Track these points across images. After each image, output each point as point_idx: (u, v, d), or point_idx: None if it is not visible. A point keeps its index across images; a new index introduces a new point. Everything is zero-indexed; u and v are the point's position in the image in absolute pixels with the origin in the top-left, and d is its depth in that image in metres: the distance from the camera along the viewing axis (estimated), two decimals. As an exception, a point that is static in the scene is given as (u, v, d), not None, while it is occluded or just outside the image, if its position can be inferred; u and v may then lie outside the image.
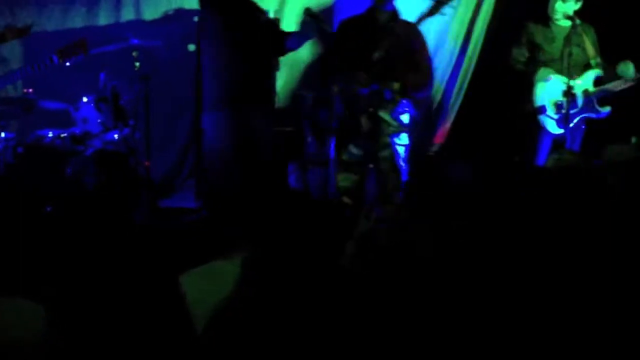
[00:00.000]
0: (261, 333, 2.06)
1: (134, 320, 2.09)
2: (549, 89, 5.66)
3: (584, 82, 5.53)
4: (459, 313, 2.23)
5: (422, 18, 5.66)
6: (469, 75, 7.19)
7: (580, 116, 5.57)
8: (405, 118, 5.48)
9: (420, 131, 6.38)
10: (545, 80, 5.59)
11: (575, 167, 3.42)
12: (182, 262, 2.51)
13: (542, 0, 5.68)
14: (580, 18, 5.49)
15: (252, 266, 2.26)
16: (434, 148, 7.32)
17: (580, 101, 5.56)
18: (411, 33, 5.55)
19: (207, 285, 2.40)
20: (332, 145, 4.93)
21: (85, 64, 5.62)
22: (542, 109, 5.66)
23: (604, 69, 5.56)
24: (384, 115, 5.26)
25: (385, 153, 5.36)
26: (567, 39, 5.45)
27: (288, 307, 2.10)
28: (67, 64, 4.98)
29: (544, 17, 5.62)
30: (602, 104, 5.53)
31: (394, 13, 5.48)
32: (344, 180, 5.32)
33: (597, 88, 5.52)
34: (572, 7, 5.47)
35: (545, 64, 5.58)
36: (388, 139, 5.36)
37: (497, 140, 5.95)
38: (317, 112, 5.57)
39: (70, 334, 2.06)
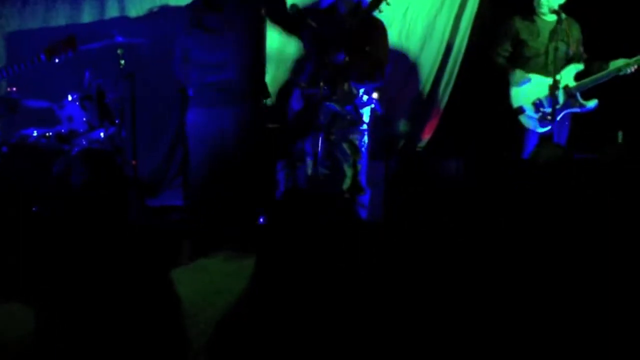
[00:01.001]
0: (259, 333, 2.05)
1: (125, 318, 2.07)
2: (526, 89, 5.66)
3: (565, 78, 5.51)
4: (454, 310, 2.22)
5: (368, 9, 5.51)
6: (456, 70, 7.19)
7: (564, 112, 5.55)
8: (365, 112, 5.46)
9: (384, 127, 6.38)
10: (522, 83, 5.59)
11: (555, 159, 3.43)
12: (169, 260, 2.50)
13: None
14: (565, 12, 5.49)
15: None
16: (422, 143, 7.32)
17: (561, 97, 5.53)
18: (371, 24, 5.47)
19: (193, 283, 2.38)
20: (320, 141, 4.91)
21: (69, 62, 5.58)
22: (521, 109, 5.67)
23: (588, 63, 5.55)
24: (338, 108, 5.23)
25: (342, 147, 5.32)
26: (553, 34, 5.45)
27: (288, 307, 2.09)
28: (56, 61, 4.94)
29: (529, 12, 5.61)
30: (587, 98, 5.52)
31: (358, 4, 5.43)
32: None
33: (579, 82, 5.52)
34: (558, 1, 5.46)
35: (530, 59, 5.57)
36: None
37: (485, 135, 5.95)
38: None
39: (62, 334, 2.05)
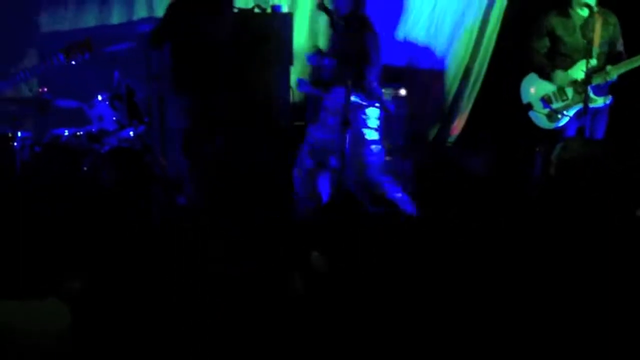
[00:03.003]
0: None
1: (150, 314, 2.10)
2: (534, 85, 5.59)
3: (575, 74, 5.38)
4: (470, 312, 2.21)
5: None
6: (485, 65, 7.16)
7: (575, 108, 5.42)
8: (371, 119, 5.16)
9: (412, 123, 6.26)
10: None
11: (577, 157, 3.39)
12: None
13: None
14: (603, 5, 5.36)
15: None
16: (451, 139, 7.29)
17: (570, 94, 5.44)
18: (359, 27, 5.16)
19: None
20: (347, 138, 4.85)
21: (99, 62, 5.63)
22: (529, 106, 5.60)
23: (608, 58, 5.40)
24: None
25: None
26: (583, 29, 5.35)
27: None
28: (73, 62, 4.98)
29: (564, 6, 5.47)
30: (601, 94, 5.36)
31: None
32: None
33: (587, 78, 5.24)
34: None
35: (567, 56, 5.46)
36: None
37: (520, 130, 5.87)
38: None
39: (93, 328, 2.09)
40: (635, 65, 5.23)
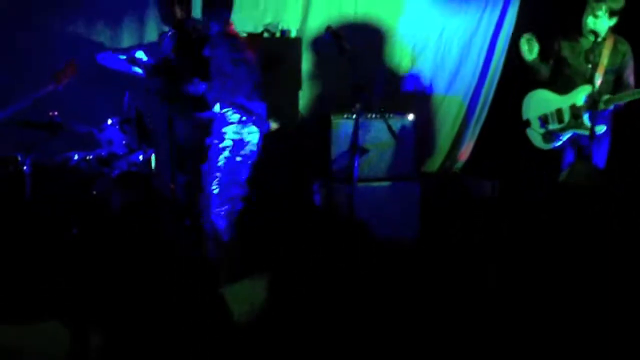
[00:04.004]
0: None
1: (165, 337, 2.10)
2: (535, 103, 5.60)
3: (574, 98, 5.39)
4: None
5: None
6: (492, 90, 7.19)
7: (569, 133, 5.43)
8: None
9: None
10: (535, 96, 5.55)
11: (586, 182, 3.39)
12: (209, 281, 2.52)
13: (571, 14, 5.58)
14: (618, 33, 5.34)
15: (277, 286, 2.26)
16: (459, 165, 7.30)
17: (566, 117, 5.46)
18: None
19: (236, 302, 2.40)
20: (356, 163, 4.90)
21: (109, 85, 5.66)
22: (527, 123, 5.60)
23: (614, 86, 5.34)
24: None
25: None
26: (588, 54, 5.34)
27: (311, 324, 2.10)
28: (60, 88, 5.08)
29: (575, 31, 5.46)
30: (597, 122, 5.21)
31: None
32: None
33: (585, 104, 5.30)
34: (606, 23, 5.28)
35: (570, 78, 5.46)
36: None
37: (523, 153, 5.87)
38: None
39: (101, 351, 2.09)
40: (633, 98, 5.18)
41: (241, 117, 5.01)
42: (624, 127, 5.57)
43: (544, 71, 5.53)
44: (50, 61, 5.44)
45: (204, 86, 5.04)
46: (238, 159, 5.02)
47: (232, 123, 5.01)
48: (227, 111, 5.01)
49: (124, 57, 5.25)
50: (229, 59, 5.01)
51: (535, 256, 2.73)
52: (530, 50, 5.43)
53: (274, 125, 5.25)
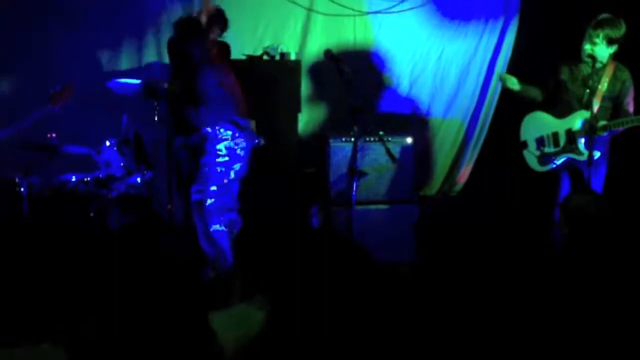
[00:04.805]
0: None
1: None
2: (533, 125, 5.60)
3: (571, 123, 5.36)
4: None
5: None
6: (491, 112, 7.21)
7: (563, 157, 5.43)
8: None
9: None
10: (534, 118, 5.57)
11: (586, 208, 3.38)
12: (206, 304, 2.50)
13: (569, 39, 5.60)
14: (619, 59, 5.33)
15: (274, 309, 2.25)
16: (457, 187, 7.30)
17: (562, 141, 5.46)
18: None
19: (232, 328, 2.38)
20: (354, 186, 4.90)
21: (108, 108, 5.67)
22: (524, 144, 5.61)
23: (612, 114, 5.28)
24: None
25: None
26: (586, 79, 5.33)
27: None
28: (56, 109, 5.09)
29: (575, 56, 5.45)
30: (593, 148, 5.14)
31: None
32: None
33: (582, 130, 5.27)
34: (605, 50, 5.25)
35: (567, 102, 5.46)
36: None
37: (522, 176, 5.87)
38: None
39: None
40: (629, 126, 5.15)
41: (234, 133, 5.06)
42: (622, 151, 5.56)
43: (534, 93, 5.58)
44: (48, 83, 5.45)
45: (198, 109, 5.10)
46: (232, 173, 5.06)
47: (225, 139, 5.05)
48: (219, 129, 5.05)
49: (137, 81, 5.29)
50: (213, 84, 5.07)
51: (535, 279, 2.72)
52: (511, 83, 5.54)
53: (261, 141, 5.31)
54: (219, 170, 5.02)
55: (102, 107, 5.75)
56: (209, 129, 5.06)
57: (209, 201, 4.97)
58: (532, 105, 5.64)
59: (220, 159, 5.03)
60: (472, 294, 2.57)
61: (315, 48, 6.64)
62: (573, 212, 3.33)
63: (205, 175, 5.02)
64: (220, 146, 5.05)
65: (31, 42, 5.99)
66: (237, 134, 5.08)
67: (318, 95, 6.72)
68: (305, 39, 6.71)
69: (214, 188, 4.99)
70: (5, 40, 5.92)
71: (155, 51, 6.41)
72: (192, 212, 5.06)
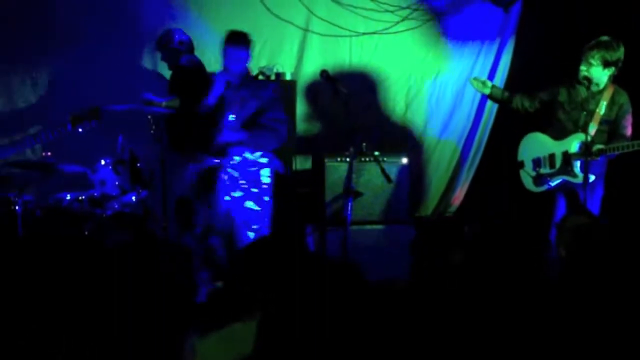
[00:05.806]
0: None
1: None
2: (530, 145, 5.61)
3: (567, 145, 5.36)
4: None
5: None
6: (486, 134, 7.22)
7: (559, 179, 5.42)
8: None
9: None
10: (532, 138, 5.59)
11: (582, 228, 3.38)
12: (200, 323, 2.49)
13: (566, 61, 5.61)
14: (617, 82, 5.34)
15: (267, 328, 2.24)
16: (452, 209, 7.30)
17: (558, 163, 5.46)
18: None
19: (225, 348, 2.37)
20: (349, 206, 4.90)
21: (103, 126, 5.66)
22: (521, 164, 5.62)
23: (609, 137, 5.29)
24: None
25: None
26: (583, 102, 5.33)
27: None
28: (80, 130, 5.05)
29: (573, 79, 5.45)
30: (586, 171, 5.15)
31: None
32: None
33: (578, 152, 5.27)
34: (601, 72, 5.28)
35: (563, 123, 5.46)
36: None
37: (519, 196, 5.86)
38: None
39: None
40: (625, 150, 5.14)
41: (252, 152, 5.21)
42: (618, 173, 5.57)
43: (517, 102, 5.63)
44: (47, 104, 5.46)
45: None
46: (254, 190, 5.20)
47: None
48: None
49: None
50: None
51: (531, 299, 2.71)
52: (483, 85, 5.62)
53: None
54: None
55: (98, 126, 5.74)
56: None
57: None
58: (530, 126, 5.66)
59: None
60: (467, 314, 2.56)
61: (311, 68, 6.66)
62: (569, 233, 3.33)
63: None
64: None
65: (31, 62, 6.01)
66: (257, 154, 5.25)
67: (313, 115, 6.73)
68: (301, 59, 6.73)
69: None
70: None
71: (151, 64, 6.42)
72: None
